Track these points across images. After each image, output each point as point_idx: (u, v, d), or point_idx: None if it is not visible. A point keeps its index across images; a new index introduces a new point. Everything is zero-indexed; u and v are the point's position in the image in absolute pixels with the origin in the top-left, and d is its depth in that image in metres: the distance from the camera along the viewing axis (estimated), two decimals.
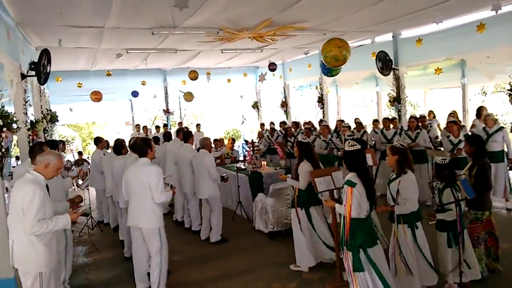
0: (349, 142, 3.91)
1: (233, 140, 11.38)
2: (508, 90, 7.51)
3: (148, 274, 4.78)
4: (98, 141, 8.00)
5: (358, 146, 3.86)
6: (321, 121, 10.82)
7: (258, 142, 11.05)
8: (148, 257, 4.73)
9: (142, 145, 4.71)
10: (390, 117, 9.35)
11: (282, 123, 12.04)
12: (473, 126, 8.73)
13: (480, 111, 8.57)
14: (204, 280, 5.22)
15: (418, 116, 8.72)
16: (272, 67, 12.84)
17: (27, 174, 3.57)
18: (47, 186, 3.72)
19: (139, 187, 4.56)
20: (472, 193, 4.04)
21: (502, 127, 7.23)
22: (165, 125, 14.56)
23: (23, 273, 3.55)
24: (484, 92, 18.22)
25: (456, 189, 4.18)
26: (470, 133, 7.66)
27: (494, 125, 7.17)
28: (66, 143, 15.29)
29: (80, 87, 13.45)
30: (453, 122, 7.15)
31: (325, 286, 4.74)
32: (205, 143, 6.66)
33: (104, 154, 7.75)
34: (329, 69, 7.68)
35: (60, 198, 4.65)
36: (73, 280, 5.33)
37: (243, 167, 8.56)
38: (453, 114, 8.78)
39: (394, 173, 4.21)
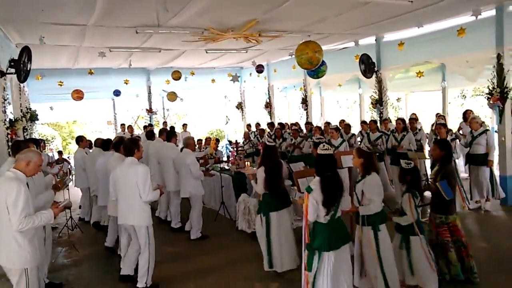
0: (323, 145, 3.86)
1: (217, 141, 11.35)
2: (486, 94, 7.70)
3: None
4: (80, 140, 7.98)
5: (330, 151, 3.82)
6: (328, 123, 10.61)
7: (244, 143, 11.05)
8: (137, 253, 4.87)
9: (130, 145, 4.80)
10: (377, 119, 9.40)
11: (270, 125, 12.04)
12: (459, 128, 8.92)
13: (466, 114, 8.76)
14: (185, 277, 5.22)
15: (409, 118, 8.78)
16: (259, 69, 12.87)
17: (7, 172, 3.63)
18: (27, 184, 3.74)
19: (127, 186, 4.64)
20: (451, 194, 4.12)
21: (487, 130, 7.38)
22: (150, 125, 14.41)
23: (8, 270, 3.61)
24: (463, 96, 18.66)
25: (415, 195, 4.20)
26: (455, 136, 7.80)
27: (479, 128, 7.31)
28: (46, 142, 15.01)
29: (61, 85, 13.19)
30: (442, 125, 7.25)
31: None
32: (187, 142, 6.73)
33: (86, 153, 7.69)
34: (316, 70, 7.74)
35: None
36: (52, 279, 5.24)
37: (226, 167, 8.56)
38: (442, 116, 8.93)
39: (359, 175, 4.25)
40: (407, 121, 8.60)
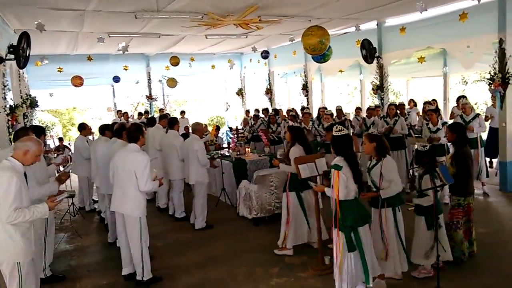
0: (336, 127, 4.00)
1: (218, 127, 11.36)
2: (488, 79, 7.67)
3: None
4: (82, 127, 7.85)
5: (346, 131, 3.97)
6: (303, 108, 10.84)
7: (243, 129, 11.04)
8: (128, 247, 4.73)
9: (134, 131, 4.63)
10: (373, 106, 9.45)
11: (265, 110, 12.02)
12: (452, 114, 8.93)
13: (458, 100, 8.77)
14: (187, 265, 5.25)
15: (397, 104, 8.85)
16: (265, 54, 12.81)
17: (4, 161, 3.43)
18: (25, 174, 3.57)
19: (125, 173, 4.49)
20: (451, 179, 4.14)
21: (478, 114, 7.43)
22: (146, 112, 14.37)
23: (0, 263, 3.43)
24: (465, 81, 18.56)
25: (434, 176, 4.32)
26: (449, 122, 7.83)
27: (471, 112, 7.37)
28: (46, 129, 14.99)
29: (60, 71, 13.14)
30: (433, 111, 7.29)
31: (308, 270, 4.83)
32: (195, 128, 6.62)
33: (87, 142, 7.63)
34: (322, 54, 7.71)
35: (45, 182, 4.55)
36: (55, 266, 5.27)
37: (227, 154, 8.57)
38: (432, 102, 8.95)
39: (374, 159, 4.28)
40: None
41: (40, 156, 3.68)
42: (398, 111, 8.39)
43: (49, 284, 4.85)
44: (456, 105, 8.93)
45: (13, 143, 4.40)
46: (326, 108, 10.24)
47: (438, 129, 6.97)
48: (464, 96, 8.28)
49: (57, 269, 5.25)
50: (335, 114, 9.40)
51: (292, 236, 5.28)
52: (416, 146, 4.46)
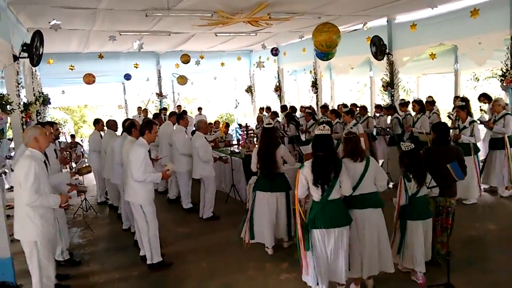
0: (324, 126, 3.92)
1: (227, 125, 11.42)
2: (500, 76, 7.60)
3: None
4: (96, 122, 8.15)
5: (327, 131, 3.86)
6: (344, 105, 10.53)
7: (256, 127, 11.07)
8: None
9: (142, 125, 4.94)
10: (404, 101, 9.01)
11: (283, 108, 11.99)
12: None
13: (454, 101, 8.46)
14: (197, 256, 5.35)
15: (425, 100, 8.46)
16: (275, 52, 12.81)
17: (26, 151, 3.82)
18: (46, 161, 4.00)
19: (127, 163, 4.89)
20: (461, 175, 4.11)
21: (508, 113, 6.92)
22: (164, 109, 14.45)
23: (22, 243, 3.84)
24: (476, 78, 18.35)
25: (408, 178, 4.20)
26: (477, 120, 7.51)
27: (502, 110, 6.95)
28: (58, 125, 15.19)
29: (72, 69, 13.31)
30: (461, 107, 6.78)
31: None
32: (199, 125, 6.82)
33: (101, 136, 7.83)
34: (326, 52, 7.68)
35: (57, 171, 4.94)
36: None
37: (237, 150, 8.62)
38: (460, 98, 8.64)
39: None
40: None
41: (49, 136, 4.12)
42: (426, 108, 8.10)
43: (66, 267, 5.15)
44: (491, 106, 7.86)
45: None
46: (345, 105, 9.95)
47: (465, 127, 6.64)
48: (458, 96, 7.89)
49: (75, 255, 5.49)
50: (357, 111, 9.17)
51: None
52: (405, 146, 4.27)
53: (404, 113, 8.53)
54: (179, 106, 14.67)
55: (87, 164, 6.22)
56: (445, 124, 4.96)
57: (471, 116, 6.91)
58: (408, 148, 4.24)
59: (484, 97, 8.53)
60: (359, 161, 3.96)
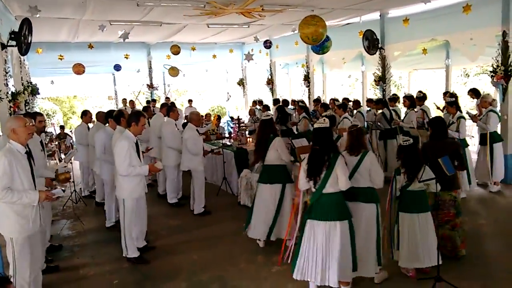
0: (324, 119, 3.92)
1: (219, 117, 11.37)
2: (490, 72, 7.65)
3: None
4: (84, 114, 8.01)
5: (326, 124, 3.85)
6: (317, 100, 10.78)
7: (249, 120, 11.04)
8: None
9: (129, 116, 4.87)
10: (392, 96, 9.26)
11: (264, 107, 11.98)
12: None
13: (444, 96, 8.55)
14: (188, 248, 5.34)
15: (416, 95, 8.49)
16: (267, 44, 12.73)
17: (7, 144, 3.60)
18: (30, 156, 3.71)
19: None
20: (452, 169, 4.12)
21: (491, 110, 7.06)
22: (154, 100, 14.36)
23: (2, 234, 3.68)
24: (466, 74, 18.50)
25: (397, 172, 4.30)
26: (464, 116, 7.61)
27: (488, 106, 7.10)
28: (47, 116, 15.00)
29: (61, 59, 13.09)
30: (450, 103, 6.83)
31: None
32: (190, 117, 6.77)
33: (88, 128, 7.72)
34: (321, 46, 7.63)
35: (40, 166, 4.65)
36: (59, 253, 5.39)
37: (228, 143, 8.59)
38: (450, 94, 8.73)
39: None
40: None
41: (29, 127, 3.68)
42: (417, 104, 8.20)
43: (51, 253, 5.18)
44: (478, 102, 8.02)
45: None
46: (337, 100, 10.02)
47: (453, 122, 6.67)
48: (448, 91, 7.99)
49: (61, 255, 5.37)
50: (350, 105, 9.30)
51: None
52: (403, 140, 4.28)
53: (392, 108, 8.63)
54: (167, 98, 14.50)
55: (69, 153, 6.05)
56: (441, 118, 5.02)
57: (460, 111, 6.98)
58: (406, 143, 4.22)
59: (472, 92, 8.63)
60: (355, 155, 3.98)
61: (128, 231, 4.88)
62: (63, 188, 4.19)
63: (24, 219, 3.57)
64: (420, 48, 9.74)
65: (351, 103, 9.70)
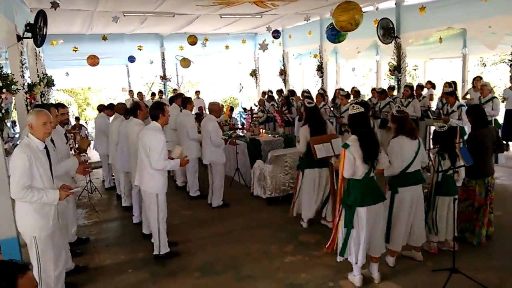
0: (353, 106, 3.95)
1: (232, 108, 11.36)
2: (509, 60, 7.48)
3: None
4: (108, 107, 7.93)
5: (361, 109, 3.90)
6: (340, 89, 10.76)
7: (258, 109, 11.03)
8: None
9: (153, 109, 4.66)
10: (387, 87, 9.41)
11: (279, 91, 11.96)
12: (466, 94, 8.82)
13: (474, 81, 8.68)
14: (203, 242, 5.34)
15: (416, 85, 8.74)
16: (276, 34, 12.63)
17: (25, 138, 3.48)
18: (48, 150, 3.61)
19: (142, 150, 4.59)
20: (470, 160, 4.09)
21: (494, 97, 7.33)
22: (160, 92, 14.41)
23: (21, 234, 3.60)
24: (483, 64, 18.11)
25: (442, 157, 4.40)
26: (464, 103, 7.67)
27: (488, 94, 7.30)
28: (66, 109, 15.14)
29: (75, 51, 13.20)
30: (448, 94, 7.09)
31: (322, 248, 4.85)
32: (211, 108, 6.60)
33: (108, 120, 7.75)
34: (337, 34, 7.51)
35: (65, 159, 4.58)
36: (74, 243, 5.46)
37: (241, 134, 8.58)
38: (448, 84, 8.76)
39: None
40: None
41: (49, 123, 3.50)
42: (415, 93, 8.33)
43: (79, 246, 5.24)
44: (472, 86, 8.79)
45: None
46: (342, 90, 10.07)
47: (453, 111, 6.83)
48: (480, 77, 8.11)
49: (76, 245, 5.42)
50: (352, 96, 9.28)
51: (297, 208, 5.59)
52: (433, 128, 4.40)
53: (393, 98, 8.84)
54: (175, 90, 14.41)
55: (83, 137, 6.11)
56: (480, 106, 5.08)
57: (459, 100, 7.27)
58: (442, 129, 4.40)
59: (429, 83, 9.36)
60: (414, 139, 4.12)
61: (163, 226, 4.76)
62: (78, 187, 4.24)
63: (43, 216, 3.49)
64: (436, 36, 9.55)
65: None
